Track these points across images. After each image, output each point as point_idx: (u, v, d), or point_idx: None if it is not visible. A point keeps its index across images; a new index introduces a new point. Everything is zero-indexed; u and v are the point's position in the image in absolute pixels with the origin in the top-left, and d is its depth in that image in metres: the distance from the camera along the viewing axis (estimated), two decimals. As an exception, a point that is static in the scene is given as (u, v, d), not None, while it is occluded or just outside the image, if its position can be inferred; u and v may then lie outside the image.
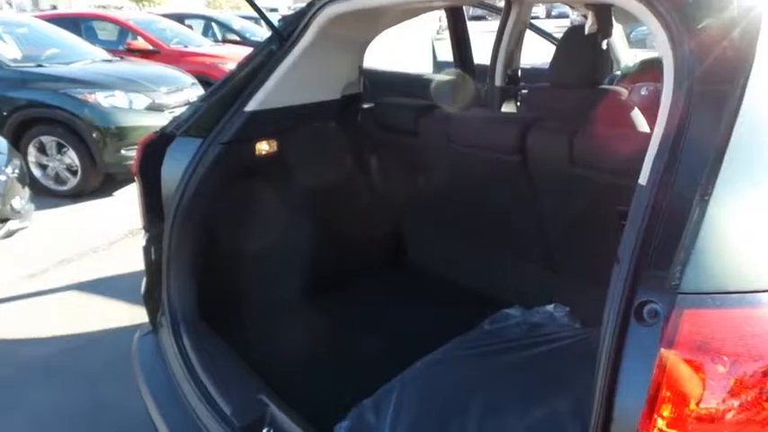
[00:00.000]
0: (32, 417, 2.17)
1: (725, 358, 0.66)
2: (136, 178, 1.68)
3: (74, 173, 4.76)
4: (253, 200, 1.87)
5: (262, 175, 1.85)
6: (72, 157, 4.70)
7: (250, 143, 1.76)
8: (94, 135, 4.60)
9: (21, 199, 3.61)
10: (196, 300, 1.70)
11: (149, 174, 1.67)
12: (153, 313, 1.76)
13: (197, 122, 1.71)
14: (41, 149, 4.79)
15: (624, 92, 2.27)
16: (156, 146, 1.67)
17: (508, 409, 1.37)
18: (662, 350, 0.68)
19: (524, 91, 2.88)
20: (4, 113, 4.69)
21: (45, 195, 4.61)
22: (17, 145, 4.58)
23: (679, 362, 0.67)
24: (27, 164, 4.57)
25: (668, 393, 0.68)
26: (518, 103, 2.94)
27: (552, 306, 1.83)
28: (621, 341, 0.75)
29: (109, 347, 2.55)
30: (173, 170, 1.65)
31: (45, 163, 4.82)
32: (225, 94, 1.75)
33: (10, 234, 3.55)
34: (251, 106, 1.70)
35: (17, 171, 3.68)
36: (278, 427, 1.28)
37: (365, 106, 2.10)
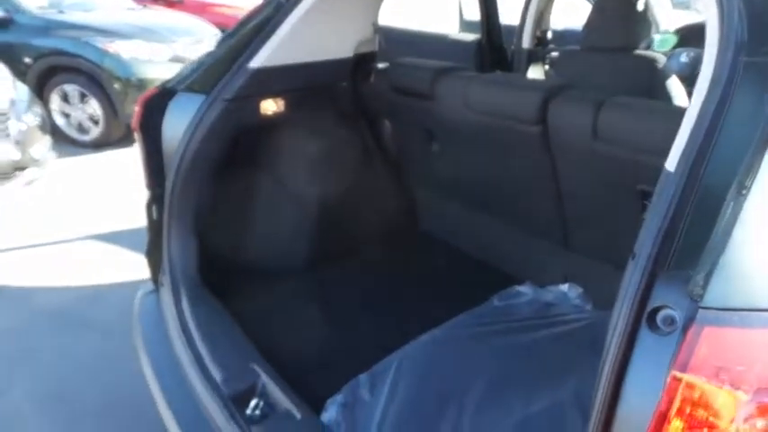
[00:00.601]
0: (37, 362, 2.20)
1: (747, 385, 0.57)
2: (136, 135, 1.63)
3: (96, 122, 4.77)
4: (257, 161, 1.80)
5: (267, 136, 1.77)
6: (94, 106, 4.70)
7: (255, 101, 1.68)
8: (116, 86, 4.58)
9: (41, 147, 3.63)
10: (197, 262, 1.67)
11: (150, 131, 1.61)
12: (155, 272, 1.74)
13: (201, 77, 1.64)
14: (65, 98, 4.79)
15: (662, 58, 2.10)
16: (158, 101, 1.60)
17: (509, 393, 1.31)
18: (675, 371, 0.59)
19: (554, 54, 2.70)
20: (26, 60, 4.68)
21: (68, 144, 4.64)
22: (41, 93, 4.59)
23: (694, 384, 0.59)
24: (50, 112, 4.59)
25: (678, 417, 0.60)
26: (546, 67, 2.77)
27: (566, 286, 1.74)
28: (629, 348, 0.67)
29: (120, 299, 2.56)
30: (174, 127, 1.59)
31: (68, 112, 4.82)
32: (230, 48, 1.67)
33: (30, 182, 3.59)
34: (256, 62, 1.61)
35: (38, 119, 3.68)
36: (268, 399, 1.25)
37: (380, 66, 1.98)
